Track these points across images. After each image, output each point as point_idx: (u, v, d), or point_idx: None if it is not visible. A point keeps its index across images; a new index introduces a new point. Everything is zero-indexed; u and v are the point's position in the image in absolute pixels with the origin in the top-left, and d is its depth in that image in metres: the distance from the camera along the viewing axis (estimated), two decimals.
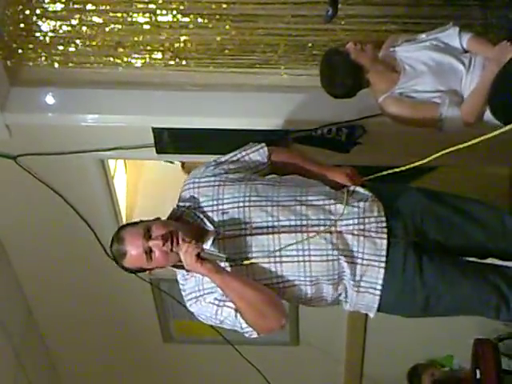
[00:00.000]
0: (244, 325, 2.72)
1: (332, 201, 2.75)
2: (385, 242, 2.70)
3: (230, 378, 5.36)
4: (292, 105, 3.66)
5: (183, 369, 5.35)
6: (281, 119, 3.64)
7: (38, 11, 3.79)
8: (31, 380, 4.96)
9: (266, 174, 2.95)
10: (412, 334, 4.64)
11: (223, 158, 2.91)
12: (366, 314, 2.89)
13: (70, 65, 3.83)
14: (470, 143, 2.73)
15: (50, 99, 3.78)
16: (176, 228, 2.65)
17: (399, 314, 3.16)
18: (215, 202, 2.75)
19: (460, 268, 2.79)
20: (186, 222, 2.75)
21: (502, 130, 2.71)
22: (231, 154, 2.92)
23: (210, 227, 2.72)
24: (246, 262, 2.67)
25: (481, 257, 2.90)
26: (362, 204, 2.75)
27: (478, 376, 4.06)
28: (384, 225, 2.72)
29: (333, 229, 2.69)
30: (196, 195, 2.80)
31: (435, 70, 3.10)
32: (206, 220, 2.73)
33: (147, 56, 3.81)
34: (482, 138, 2.71)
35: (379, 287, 2.72)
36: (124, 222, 4.54)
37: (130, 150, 3.81)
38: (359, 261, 2.70)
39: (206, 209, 2.76)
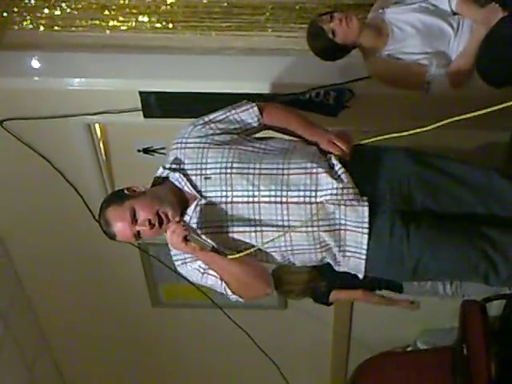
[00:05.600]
0: (229, 292, 2.79)
1: (314, 170, 2.72)
2: (366, 208, 2.69)
3: (219, 342, 5.40)
4: (280, 68, 3.63)
5: (172, 333, 5.37)
6: (268, 83, 3.61)
7: None
8: (17, 340, 4.98)
9: (257, 132, 2.95)
10: None
11: (211, 116, 2.89)
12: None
13: (56, 28, 3.80)
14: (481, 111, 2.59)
15: (35, 63, 3.75)
16: (161, 204, 2.66)
17: (390, 278, 3.17)
18: (198, 166, 2.76)
19: (448, 235, 2.78)
20: (169, 187, 2.77)
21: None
22: (220, 112, 2.90)
23: (193, 192, 2.73)
24: (230, 257, 2.68)
25: (472, 220, 2.86)
26: (342, 175, 2.73)
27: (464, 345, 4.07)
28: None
29: (313, 200, 2.69)
30: (182, 156, 2.80)
31: (423, 33, 3.10)
32: (189, 184, 2.74)
33: (133, 19, 3.77)
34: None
35: (364, 252, 2.73)
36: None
37: (116, 115, 3.78)
38: (342, 227, 2.71)
39: (189, 172, 2.77)
